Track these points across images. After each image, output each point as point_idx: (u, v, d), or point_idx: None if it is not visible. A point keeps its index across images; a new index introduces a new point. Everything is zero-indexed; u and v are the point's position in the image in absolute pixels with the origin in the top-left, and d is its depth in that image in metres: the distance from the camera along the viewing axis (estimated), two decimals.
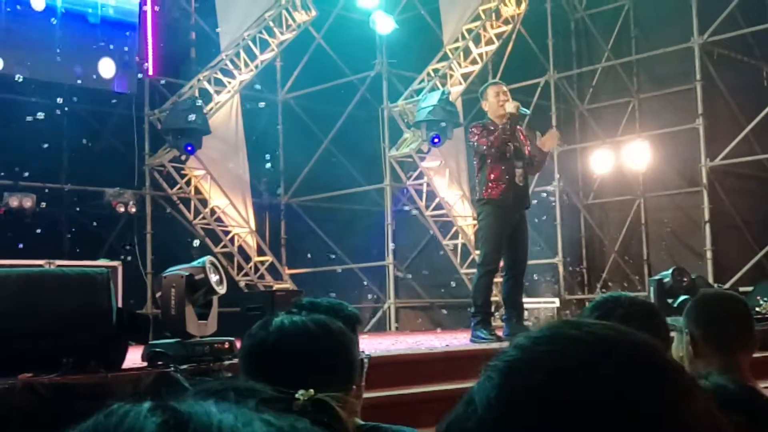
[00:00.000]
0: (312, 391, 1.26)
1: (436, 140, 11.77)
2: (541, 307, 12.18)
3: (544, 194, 13.58)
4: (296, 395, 1.23)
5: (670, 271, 9.22)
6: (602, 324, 0.85)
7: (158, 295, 5.64)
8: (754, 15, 12.66)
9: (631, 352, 0.81)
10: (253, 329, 1.92)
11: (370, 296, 13.60)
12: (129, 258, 10.71)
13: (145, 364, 5.12)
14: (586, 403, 0.75)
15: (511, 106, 7.43)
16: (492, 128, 7.45)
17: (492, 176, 7.46)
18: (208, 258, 5.79)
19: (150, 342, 5.30)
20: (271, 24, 12.26)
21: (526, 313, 9.38)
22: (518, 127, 7.70)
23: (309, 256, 13.37)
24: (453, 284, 13.39)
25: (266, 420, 0.66)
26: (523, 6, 13.55)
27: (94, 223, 11.23)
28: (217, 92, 11.91)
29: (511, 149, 7.46)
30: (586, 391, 0.76)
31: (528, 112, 7.73)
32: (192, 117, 10.83)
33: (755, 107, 12.35)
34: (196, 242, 11.62)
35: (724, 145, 12.14)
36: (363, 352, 2.26)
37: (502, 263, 7.61)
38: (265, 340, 1.86)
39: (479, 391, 0.81)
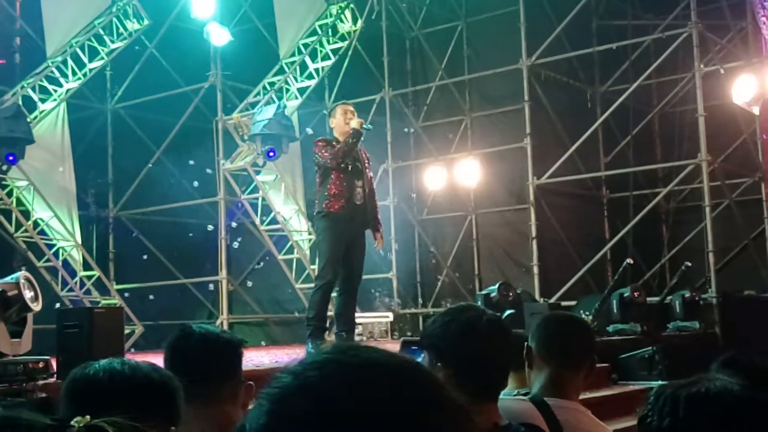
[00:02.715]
0: (88, 417, 1.22)
1: (271, 154, 11.70)
2: (375, 321, 12.27)
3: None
4: (71, 422, 1.20)
5: (497, 285, 9.48)
6: (370, 348, 0.86)
7: None
8: (579, 39, 13.23)
9: (395, 373, 0.82)
10: (77, 368, 1.93)
11: (203, 312, 13.36)
12: None
13: None
14: (349, 426, 0.76)
15: (355, 122, 7.61)
16: (335, 144, 7.60)
17: (332, 191, 7.57)
18: (22, 273, 5.58)
19: None
20: (101, 32, 11.92)
21: (360, 327, 9.43)
22: (362, 149, 7.83)
23: (140, 275, 13.03)
24: (288, 299, 13.34)
25: None
26: (359, 23, 13.69)
27: None
28: (42, 100, 11.47)
29: (350, 166, 7.56)
30: (349, 415, 0.77)
31: (370, 127, 7.89)
32: (14, 125, 10.38)
33: (580, 128, 12.87)
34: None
35: (551, 164, 12.58)
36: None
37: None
38: (90, 376, 1.86)
39: (251, 418, 0.81)
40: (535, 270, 12.42)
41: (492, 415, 2.31)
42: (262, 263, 13.74)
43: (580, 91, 14.09)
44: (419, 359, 2.37)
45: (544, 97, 13.05)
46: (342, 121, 7.70)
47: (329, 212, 7.55)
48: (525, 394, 2.88)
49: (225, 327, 12.06)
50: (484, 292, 9.69)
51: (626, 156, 13.96)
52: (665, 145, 14.40)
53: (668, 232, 14.58)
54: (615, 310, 9.74)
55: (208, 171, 13.02)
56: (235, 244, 13.39)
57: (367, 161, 7.86)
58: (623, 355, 8.37)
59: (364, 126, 7.63)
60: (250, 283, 13.84)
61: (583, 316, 9.24)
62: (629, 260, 10.21)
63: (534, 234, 12.57)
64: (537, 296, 11.57)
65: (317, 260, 8.04)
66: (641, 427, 1.56)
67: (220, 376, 2.39)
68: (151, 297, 12.88)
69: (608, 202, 14.37)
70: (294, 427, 0.78)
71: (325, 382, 0.80)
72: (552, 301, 10.95)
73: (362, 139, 7.68)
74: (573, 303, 10.70)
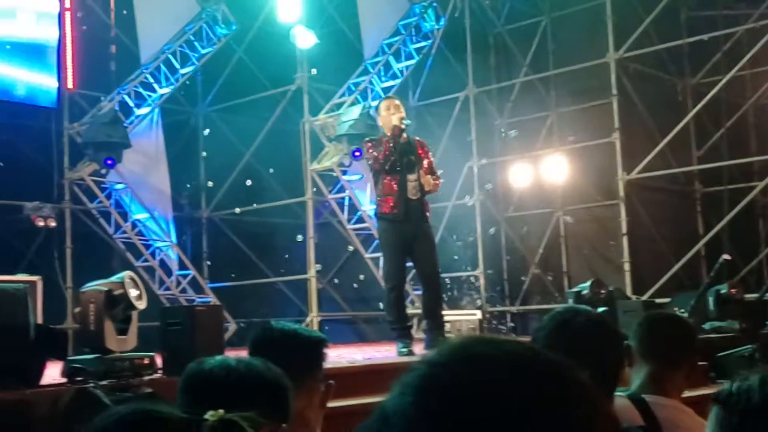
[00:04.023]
0: (222, 411, 1.24)
1: (357, 154, 11.80)
2: (462, 319, 12.25)
3: (465, 207, 13.72)
4: (206, 416, 1.22)
5: (589, 283, 9.38)
6: (514, 341, 0.86)
7: (77, 310, 5.56)
8: (668, 31, 13.00)
9: (541, 369, 0.82)
10: (192, 363, 1.97)
11: (293, 310, 13.54)
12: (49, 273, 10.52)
13: (64, 380, 5.04)
14: (497, 419, 0.77)
15: (395, 119, 7.44)
16: (384, 142, 7.46)
17: (383, 191, 7.46)
18: (127, 273, 5.74)
19: (69, 358, 5.22)
20: (192, 38, 12.20)
21: (447, 325, 9.41)
22: (417, 139, 7.71)
23: (232, 274, 13.29)
24: (375, 297, 13.42)
25: None
26: (443, 21, 13.72)
27: (13, 238, 11.02)
28: (138, 106, 11.80)
29: (396, 162, 7.38)
30: (498, 408, 0.77)
31: (409, 122, 7.62)
32: (112, 131, 10.71)
33: (670, 121, 12.64)
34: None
35: (640, 159, 12.39)
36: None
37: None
38: (206, 371, 1.90)
39: (394, 408, 0.81)
40: (627, 267, 12.25)
41: None
42: (349, 262, 13.87)
43: (669, 84, 13.86)
44: None
45: (632, 90, 12.86)
46: (387, 116, 7.55)
47: (382, 214, 7.49)
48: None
49: (315, 325, 12.23)
50: (575, 289, 9.60)
51: (719, 149, 13.62)
52: (760, 138, 14.03)
53: (765, 226, 14.23)
54: (712, 308, 9.53)
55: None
56: (323, 243, 13.52)
57: (423, 153, 7.63)
58: (721, 354, 8.21)
59: (404, 122, 7.46)
60: (337, 281, 13.98)
61: (679, 313, 9.12)
62: (725, 256, 9.98)
63: (625, 230, 12.41)
64: (629, 294, 11.42)
65: (382, 263, 7.98)
66: (726, 407, 1.52)
67: (297, 373, 2.33)
68: (242, 296, 13.10)
69: (701, 197, 14.07)
70: (445, 417, 0.78)
71: (473, 376, 0.80)
72: (645, 298, 10.79)
73: (403, 135, 7.45)
74: (666, 300, 10.53)
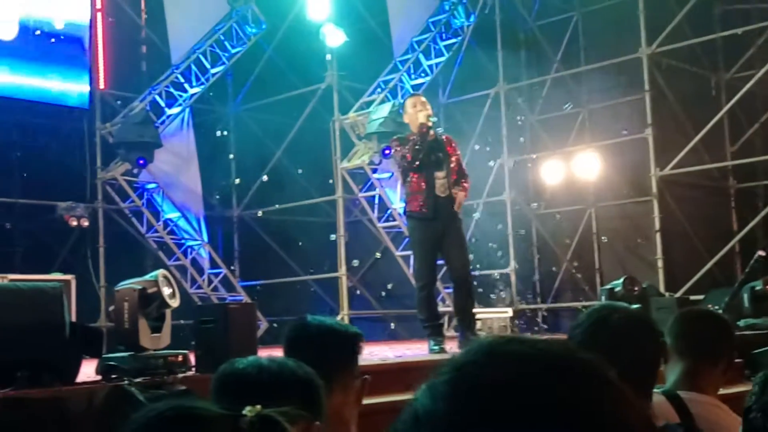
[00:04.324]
0: (259, 407, 1.25)
1: (387, 152, 11.79)
2: (494, 317, 12.22)
3: (496, 204, 13.68)
4: (243, 411, 1.23)
5: (621, 280, 9.32)
6: (545, 340, 0.85)
7: (111, 308, 5.60)
8: (701, 25, 12.86)
9: (575, 368, 0.82)
10: (225, 363, 1.98)
11: (324, 308, 13.57)
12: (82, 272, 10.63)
13: (99, 377, 5.07)
14: (531, 419, 0.76)
15: (422, 116, 7.39)
16: (411, 140, 7.42)
17: (411, 189, 7.44)
18: (160, 271, 5.77)
19: (104, 355, 5.26)
20: (222, 38, 12.25)
21: (479, 323, 9.37)
22: (446, 136, 7.66)
23: (263, 272, 13.36)
24: (406, 295, 13.41)
25: None
26: (472, 18, 13.67)
27: (47, 238, 11.13)
28: (169, 105, 11.87)
29: (421, 159, 7.33)
30: (532, 408, 0.76)
31: (435, 119, 7.57)
32: (143, 131, 10.79)
33: (704, 117, 12.51)
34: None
35: (673, 155, 12.28)
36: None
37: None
38: (239, 370, 1.91)
39: (425, 408, 0.80)
40: (660, 264, 12.15)
41: None
42: (380, 260, 13.87)
43: (703, 78, 13.71)
44: None
45: (665, 85, 12.74)
46: (413, 113, 7.51)
47: (411, 212, 7.47)
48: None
49: (346, 322, 12.22)
50: (608, 286, 9.55)
51: (754, 144, 13.47)
52: None
53: None
54: (746, 304, 9.43)
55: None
56: (354, 241, 13.53)
57: (451, 149, 7.57)
58: (756, 351, 8.13)
59: (430, 119, 7.41)
60: (368, 280, 13.99)
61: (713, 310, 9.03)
62: (761, 252, 9.88)
63: (658, 227, 12.31)
64: (662, 291, 11.32)
65: (412, 261, 7.93)
66: (745, 423, 1.48)
67: (332, 368, 2.34)
68: (273, 294, 13.15)
69: (735, 193, 13.92)
70: (481, 416, 0.77)
71: (507, 375, 0.79)
72: (678, 295, 10.70)
73: (430, 132, 7.39)
74: (700, 297, 10.44)
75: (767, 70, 12.14)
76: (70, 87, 11.27)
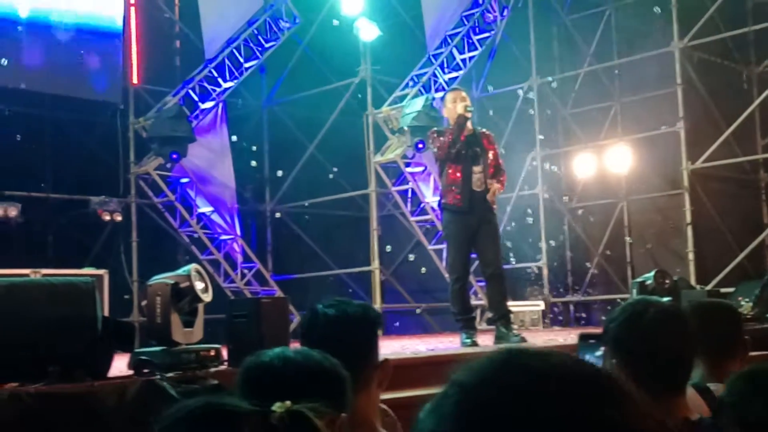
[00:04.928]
0: (288, 402, 1.26)
1: (420, 146, 11.83)
2: (526, 309, 12.24)
3: (529, 198, 13.68)
4: (272, 407, 1.25)
5: (653, 273, 9.29)
6: (558, 353, 0.85)
7: (144, 303, 5.66)
8: (733, 19, 12.78)
9: (592, 383, 0.81)
10: (251, 356, 1.97)
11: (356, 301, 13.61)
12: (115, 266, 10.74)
13: (131, 372, 5.12)
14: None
15: (460, 108, 7.40)
16: (449, 132, 7.46)
17: (448, 181, 7.44)
18: (193, 266, 5.82)
19: (136, 350, 5.32)
20: (256, 32, 12.32)
21: (511, 316, 9.37)
22: (483, 130, 7.70)
23: (296, 266, 13.41)
24: (438, 288, 13.44)
25: None
26: (506, 12, 13.66)
27: (80, 232, 11.25)
28: (202, 100, 11.96)
29: (463, 153, 7.36)
30: (548, 423, 0.76)
31: (472, 109, 7.62)
32: (177, 125, 10.89)
33: (735, 110, 12.46)
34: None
35: (705, 148, 12.24)
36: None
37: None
38: (265, 363, 1.91)
39: (431, 429, 0.80)
40: (691, 257, 12.13)
41: (680, 410, 2.25)
42: (413, 254, 13.90)
43: (734, 71, 13.63)
44: (598, 353, 2.38)
45: (697, 79, 12.68)
46: (453, 108, 7.50)
47: (447, 205, 7.46)
48: None
49: None
50: (639, 279, 9.51)
51: None
52: None
53: None
54: None
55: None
56: (387, 235, 13.57)
57: (488, 144, 7.58)
58: None
59: (468, 109, 7.42)
60: (401, 274, 14.02)
61: (743, 302, 8.99)
62: None
63: (689, 220, 12.27)
64: (693, 283, 11.29)
65: (446, 254, 7.93)
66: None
67: (347, 361, 2.10)
68: (306, 288, 13.23)
69: (766, 186, 13.87)
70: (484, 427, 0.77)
71: (520, 389, 0.78)
72: (709, 288, 10.66)
73: (467, 125, 7.42)
74: (731, 290, 10.39)
75: None
76: (105, 82, 11.38)
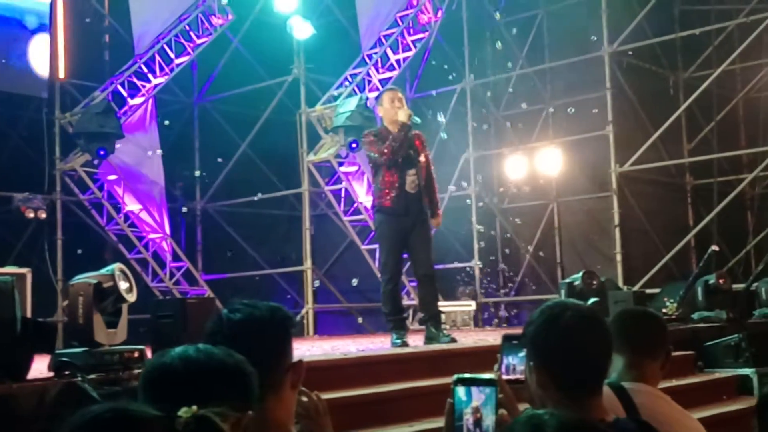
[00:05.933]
0: (195, 408, 1.26)
1: (353, 145, 11.83)
2: (458, 310, 12.32)
3: (461, 199, 13.76)
4: (178, 413, 1.25)
5: (580, 274, 9.42)
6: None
7: (66, 303, 5.57)
8: (661, 25, 13.06)
9: None
10: (153, 357, 1.91)
11: (289, 302, 13.57)
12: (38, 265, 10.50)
13: (51, 374, 5.04)
14: None
15: (403, 115, 7.42)
16: (384, 135, 7.47)
17: (383, 184, 7.46)
18: (117, 265, 5.73)
19: (57, 351, 5.22)
20: (187, 27, 12.19)
21: (443, 316, 9.42)
22: (416, 132, 7.70)
23: (228, 255, 13.28)
24: (371, 289, 13.45)
25: None
26: (440, 13, 13.72)
27: (2, 230, 10.99)
28: (131, 96, 11.79)
29: (400, 157, 7.40)
30: None
31: (419, 121, 7.63)
32: (104, 121, 10.70)
33: (663, 114, 12.74)
34: None
35: (633, 152, 12.48)
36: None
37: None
38: (166, 365, 1.83)
39: None
40: (618, 258, 12.36)
41: (596, 411, 2.26)
42: (346, 253, 13.89)
43: (662, 77, 13.92)
44: (522, 354, 2.39)
45: (626, 84, 12.93)
46: (390, 108, 7.53)
47: (381, 206, 7.48)
48: None
49: (310, 316, 12.25)
50: (567, 280, 9.64)
51: (710, 142, 13.73)
52: (750, 131, 14.17)
53: (753, 218, 14.26)
54: (700, 298, 9.58)
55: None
56: (320, 234, 13.54)
57: (421, 147, 7.62)
58: (709, 343, 8.26)
59: (412, 119, 7.44)
60: (333, 273, 14.00)
61: (668, 303, 9.16)
62: (714, 247, 10.06)
63: (617, 222, 12.49)
64: (620, 284, 11.48)
65: (379, 255, 7.97)
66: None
67: (261, 369, 1.96)
68: (237, 288, 13.13)
69: (692, 189, 14.18)
70: None
71: None
72: (636, 288, 10.86)
73: (411, 131, 7.45)
74: (657, 291, 10.59)
75: (723, 70, 12.36)
76: (30, 75, 11.09)
